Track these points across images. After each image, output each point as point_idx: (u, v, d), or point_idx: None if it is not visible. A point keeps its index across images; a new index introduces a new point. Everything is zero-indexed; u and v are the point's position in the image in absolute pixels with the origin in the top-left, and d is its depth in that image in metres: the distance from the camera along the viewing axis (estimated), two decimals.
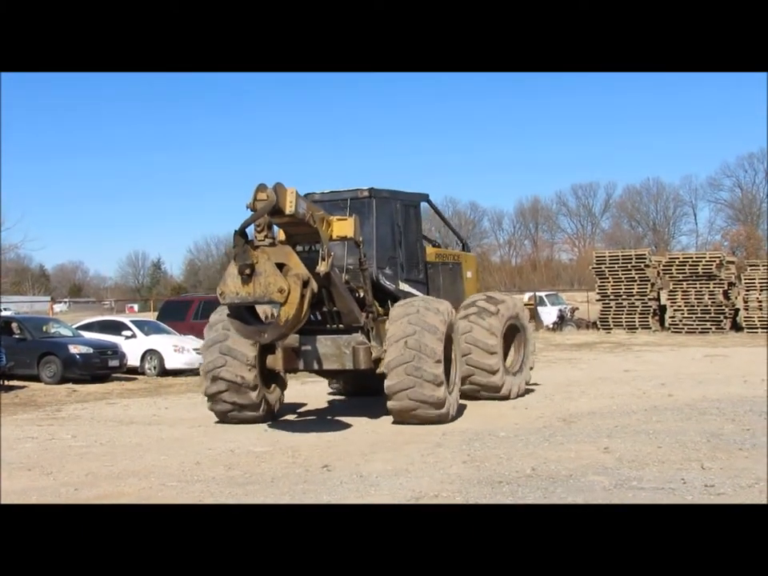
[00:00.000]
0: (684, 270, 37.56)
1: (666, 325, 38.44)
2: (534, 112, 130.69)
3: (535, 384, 18.08)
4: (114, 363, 22.26)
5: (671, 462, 9.77)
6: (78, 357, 21.60)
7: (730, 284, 37.72)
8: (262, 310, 12.85)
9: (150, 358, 23.89)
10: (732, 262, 39.81)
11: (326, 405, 16.77)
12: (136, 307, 76.01)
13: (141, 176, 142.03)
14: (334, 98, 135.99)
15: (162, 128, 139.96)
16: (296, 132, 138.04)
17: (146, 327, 25.08)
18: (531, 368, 17.21)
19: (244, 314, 11.68)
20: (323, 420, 14.42)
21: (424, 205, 16.53)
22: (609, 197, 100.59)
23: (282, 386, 14.73)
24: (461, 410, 14.35)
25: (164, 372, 23.53)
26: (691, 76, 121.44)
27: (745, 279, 37.59)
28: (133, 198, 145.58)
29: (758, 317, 36.73)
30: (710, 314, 37.03)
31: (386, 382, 12.97)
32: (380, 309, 14.24)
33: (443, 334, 13.15)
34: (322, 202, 14.30)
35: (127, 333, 24.36)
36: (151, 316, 33.98)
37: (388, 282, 14.65)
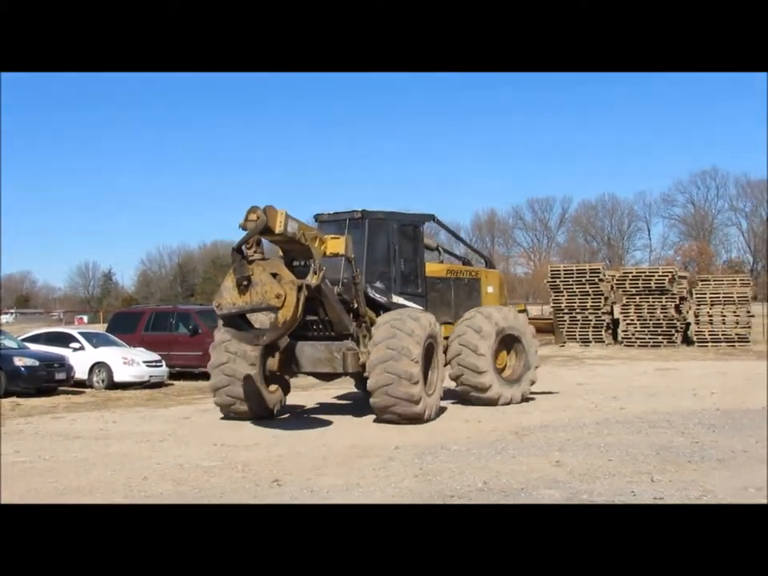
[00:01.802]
0: (637, 284, 37.97)
1: (619, 338, 38.81)
2: (491, 126, 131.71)
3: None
4: (60, 376, 21.91)
5: (621, 474, 9.85)
6: (22, 369, 21.22)
7: (682, 298, 38.20)
8: (259, 322, 14.58)
9: (99, 371, 23.57)
10: (684, 277, 40.35)
11: (318, 406, 17.99)
12: (85, 319, 75.10)
13: (92, 184, 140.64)
14: (283, 112, 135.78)
15: (114, 135, 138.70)
16: (238, 141, 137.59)
17: (94, 339, 24.73)
18: (533, 381, 17.93)
19: (238, 322, 13.23)
20: (301, 421, 15.60)
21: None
22: (564, 211, 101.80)
23: (284, 388, 16.37)
24: (439, 413, 15.75)
25: (113, 385, 23.22)
26: (643, 92, 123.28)
27: (696, 294, 38.13)
28: (84, 207, 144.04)
29: (709, 331, 37.30)
30: (661, 327, 37.46)
31: (368, 381, 14.69)
32: (375, 319, 15.59)
33: (422, 338, 14.80)
34: (329, 222, 16.54)
35: (75, 345, 24.01)
36: (101, 328, 33.58)
37: (378, 295, 16.26)
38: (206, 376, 25.10)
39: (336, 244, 14.81)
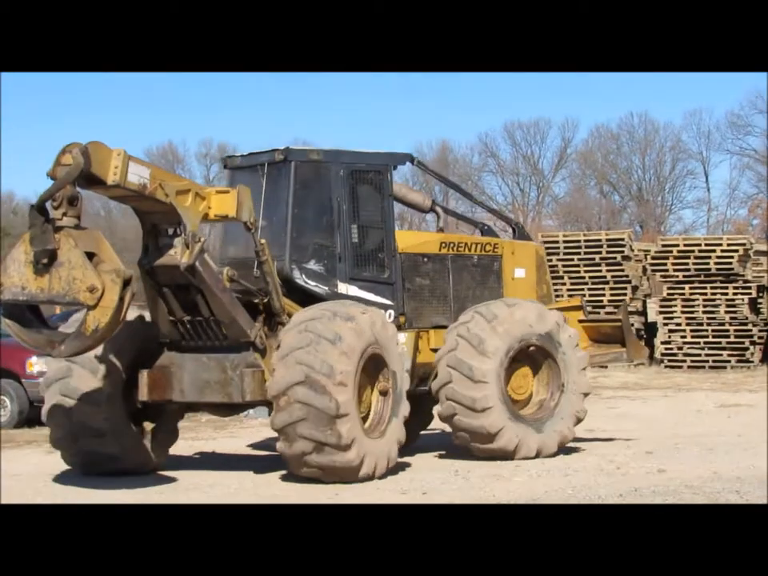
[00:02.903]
0: (686, 264, 38.27)
1: (657, 355, 39.08)
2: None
3: (444, 451, 18.54)
4: None
5: None
6: None
7: (762, 288, 38.58)
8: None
9: None
10: (765, 253, 40.70)
11: (198, 457, 19.14)
12: None
13: None
14: None
15: None
16: None
17: None
18: (579, 418, 18.31)
19: (25, 315, 13.80)
20: (149, 481, 16.25)
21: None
22: (566, 144, 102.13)
23: (168, 425, 17.22)
24: (397, 470, 16.60)
25: None
26: None
27: None
28: None
29: None
30: (727, 337, 37.79)
31: (271, 416, 15.44)
32: None
33: (355, 349, 15.32)
34: (242, 168, 18.07)
35: None
36: None
37: (312, 282, 17.28)
38: None
39: (223, 201, 15.34)
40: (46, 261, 13.02)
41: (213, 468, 17.37)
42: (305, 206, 17.43)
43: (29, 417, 23.81)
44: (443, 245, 18.93)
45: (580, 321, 19.99)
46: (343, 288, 17.27)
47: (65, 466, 17.19)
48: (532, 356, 17.91)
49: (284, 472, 16.34)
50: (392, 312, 17.63)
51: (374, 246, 17.96)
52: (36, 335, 13.84)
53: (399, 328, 17.62)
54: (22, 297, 13.29)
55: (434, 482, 15.87)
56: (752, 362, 37.63)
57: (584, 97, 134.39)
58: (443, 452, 18.33)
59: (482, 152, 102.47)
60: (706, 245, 39.21)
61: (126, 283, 13.15)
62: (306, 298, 16.76)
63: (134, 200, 14.60)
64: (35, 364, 23.68)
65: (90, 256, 13.16)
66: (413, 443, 18.95)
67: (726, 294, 37.97)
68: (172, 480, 16.32)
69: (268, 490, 15.40)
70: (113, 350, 15.67)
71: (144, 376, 16.01)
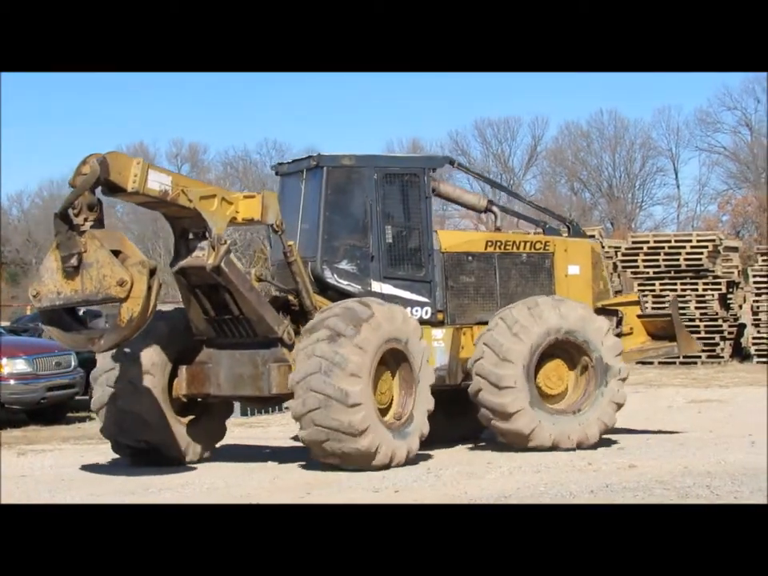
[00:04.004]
0: (657, 261, 38.31)
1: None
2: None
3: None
4: None
5: None
6: None
7: (731, 284, 38.63)
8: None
9: None
10: (735, 249, 40.75)
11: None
12: None
13: None
14: None
15: None
16: None
17: None
18: (619, 404, 18.71)
19: (64, 319, 14.84)
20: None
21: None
22: (536, 141, 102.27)
23: (214, 419, 18.35)
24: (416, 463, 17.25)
25: None
26: None
27: (755, 276, 38.48)
28: None
29: None
30: (698, 332, 37.77)
31: (291, 405, 16.59)
32: None
33: (370, 343, 16.26)
34: (288, 174, 19.19)
35: None
36: None
37: (344, 281, 18.05)
38: None
39: (249, 205, 16.48)
40: (75, 263, 14.06)
41: (186, 467, 17.47)
42: (337, 208, 18.30)
43: (0, 418, 23.66)
44: (489, 243, 19.45)
45: (638, 316, 20.62)
46: (377, 286, 18.07)
47: (36, 468, 17.19)
48: (567, 352, 18.39)
49: (255, 471, 16.38)
50: (429, 309, 18.38)
51: (410, 245, 18.75)
52: (77, 336, 14.98)
53: (440, 324, 18.62)
54: (58, 301, 14.34)
55: (407, 479, 15.93)
56: (722, 357, 37.74)
57: (554, 94, 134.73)
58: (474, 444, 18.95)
59: (452, 150, 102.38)
60: (676, 241, 39.30)
61: (152, 273, 14.16)
62: (340, 296, 17.56)
63: (160, 206, 15.86)
64: (5, 366, 23.63)
65: (116, 254, 14.13)
66: (467, 439, 19.85)
67: (696, 289, 38.10)
68: (145, 478, 16.40)
69: (240, 489, 15.44)
70: (166, 323, 17.16)
71: (183, 371, 17.26)
